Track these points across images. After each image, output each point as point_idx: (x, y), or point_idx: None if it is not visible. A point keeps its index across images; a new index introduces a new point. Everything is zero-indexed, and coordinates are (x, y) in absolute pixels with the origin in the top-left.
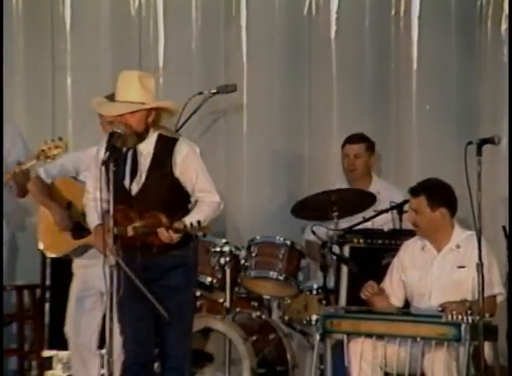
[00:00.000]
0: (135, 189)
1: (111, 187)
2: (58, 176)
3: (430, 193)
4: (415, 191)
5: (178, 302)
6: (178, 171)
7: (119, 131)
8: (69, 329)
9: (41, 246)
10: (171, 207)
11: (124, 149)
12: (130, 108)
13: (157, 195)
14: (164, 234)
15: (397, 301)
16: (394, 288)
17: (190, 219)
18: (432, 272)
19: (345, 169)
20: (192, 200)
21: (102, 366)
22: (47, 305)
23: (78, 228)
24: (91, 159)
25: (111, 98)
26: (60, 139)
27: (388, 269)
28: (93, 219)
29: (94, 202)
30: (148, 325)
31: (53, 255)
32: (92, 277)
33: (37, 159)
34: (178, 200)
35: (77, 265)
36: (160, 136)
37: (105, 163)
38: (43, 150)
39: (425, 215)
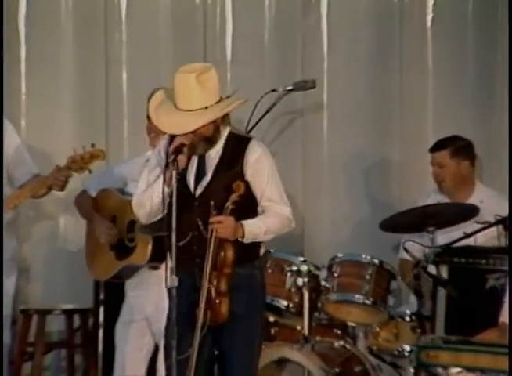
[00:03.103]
0: (198, 191)
1: (174, 196)
2: (103, 187)
3: None
4: None
5: (242, 333)
6: (250, 172)
7: (186, 142)
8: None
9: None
10: (238, 212)
11: None
12: (194, 123)
13: (223, 198)
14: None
15: None
16: None
17: (249, 226)
18: None
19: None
20: (260, 210)
21: None
22: (100, 332)
23: (121, 246)
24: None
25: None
26: (93, 145)
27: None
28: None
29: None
30: (205, 359)
31: (98, 279)
32: (142, 302)
33: (68, 170)
34: (247, 205)
35: (129, 286)
36: (230, 134)
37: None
38: (74, 161)
39: None
